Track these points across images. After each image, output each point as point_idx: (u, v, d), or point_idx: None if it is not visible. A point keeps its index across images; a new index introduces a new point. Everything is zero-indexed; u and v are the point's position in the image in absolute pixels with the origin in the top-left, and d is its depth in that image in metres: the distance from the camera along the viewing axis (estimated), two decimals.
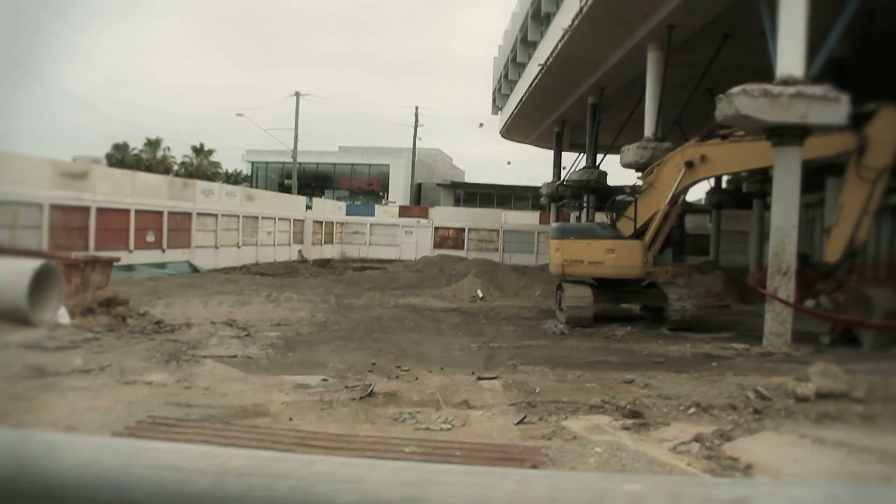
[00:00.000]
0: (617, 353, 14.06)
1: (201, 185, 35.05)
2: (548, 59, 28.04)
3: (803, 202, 31.42)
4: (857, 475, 6.86)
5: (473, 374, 11.10)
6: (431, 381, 10.58)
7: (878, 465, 7.15)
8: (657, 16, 21.32)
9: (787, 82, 13.96)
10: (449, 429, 8.03)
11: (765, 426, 8.52)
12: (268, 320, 16.96)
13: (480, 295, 24.60)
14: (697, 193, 46.11)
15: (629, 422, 8.30)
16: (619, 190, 20.90)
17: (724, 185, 39.46)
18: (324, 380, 10.42)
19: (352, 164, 68.78)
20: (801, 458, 7.31)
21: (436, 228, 50.82)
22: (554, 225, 20.47)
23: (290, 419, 8.31)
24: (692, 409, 9.07)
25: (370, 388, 9.59)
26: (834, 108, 13.75)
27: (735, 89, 13.91)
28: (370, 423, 8.20)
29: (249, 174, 69.91)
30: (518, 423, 8.21)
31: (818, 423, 8.78)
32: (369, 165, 67.99)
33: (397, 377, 10.87)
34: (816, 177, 25.21)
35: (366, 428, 8.02)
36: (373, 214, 52.34)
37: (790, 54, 14.24)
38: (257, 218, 38.10)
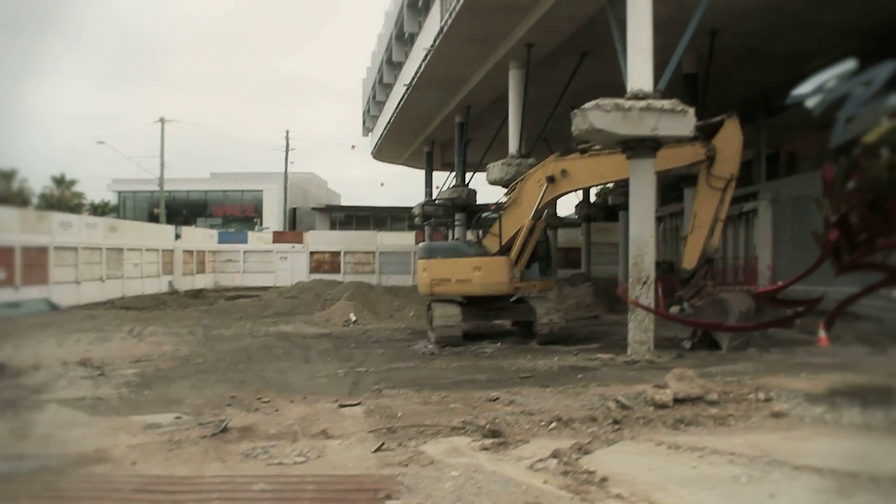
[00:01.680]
0: (485, 370, 13.99)
1: (58, 217, 33.21)
2: (412, 79, 28.11)
3: (671, 212, 32.78)
4: (707, 478, 6.93)
5: (337, 401, 10.76)
6: (292, 412, 10.16)
7: (728, 466, 7.27)
8: (516, 35, 21.68)
9: (637, 97, 14.36)
10: (303, 462, 7.68)
11: (623, 436, 8.57)
12: (127, 357, 16.06)
13: (353, 318, 24.24)
14: (569, 207, 47.21)
15: (488, 442, 8.18)
16: (488, 208, 21.05)
17: (592, 198, 40.52)
18: (177, 417, 9.84)
19: (224, 191, 67.11)
20: (655, 467, 7.34)
21: (311, 253, 50.05)
22: (420, 245, 20.40)
23: (134, 463, 7.75)
24: (553, 424, 9.04)
25: (224, 424, 9.12)
26: (682, 121, 14.23)
27: (588, 104, 14.20)
28: (220, 462, 7.75)
29: (117, 204, 67.13)
30: (376, 451, 7.94)
31: (674, 428, 8.92)
32: (242, 192, 66.53)
33: (257, 410, 10.39)
34: (680, 188, 26.25)
35: (215, 467, 7.57)
36: (246, 241, 51.08)
37: (639, 70, 14.68)
38: (122, 250, 36.46)
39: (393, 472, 7.20)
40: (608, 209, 37.69)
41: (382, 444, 8.19)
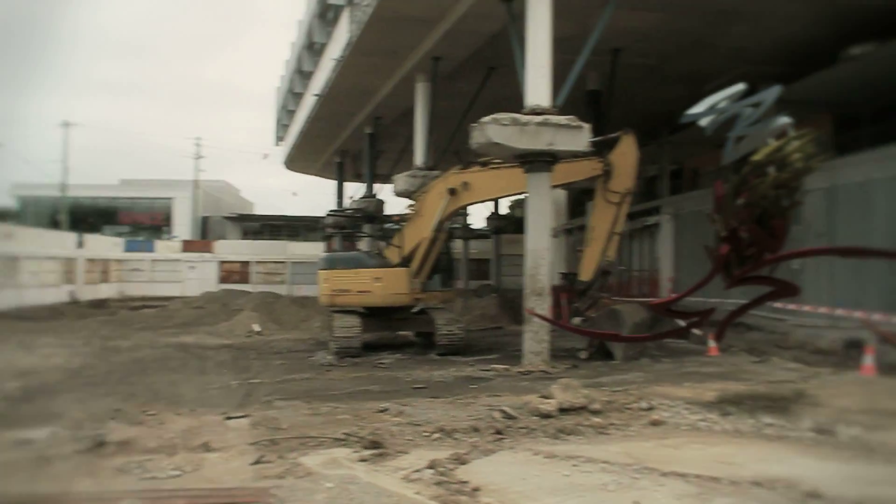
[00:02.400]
0: (380, 381, 14.01)
1: None
2: (322, 89, 27.99)
3: (580, 225, 33.41)
4: (577, 486, 7.09)
5: (224, 413, 10.61)
6: (176, 425, 9.96)
7: (599, 474, 7.45)
8: (423, 48, 21.83)
9: (535, 112, 14.63)
10: (178, 475, 7.54)
11: (503, 446, 8.69)
12: (12, 371, 15.47)
13: (257, 329, 23.95)
14: (480, 220, 47.71)
15: (368, 453, 8.18)
16: (392, 219, 21.13)
17: (503, 210, 41.02)
18: (52, 432, 9.54)
19: (133, 198, 65.27)
20: (529, 476, 7.46)
21: (221, 262, 49.22)
22: (321, 255, 20.31)
23: None
24: (436, 435, 9.10)
25: (101, 438, 8.87)
26: (578, 136, 14.56)
27: (486, 118, 14.41)
28: (91, 478, 7.54)
29: (18, 210, 64.50)
30: (253, 464, 7.86)
31: (555, 438, 9.09)
32: (152, 199, 64.83)
33: (140, 423, 10.15)
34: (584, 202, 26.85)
35: (84, 483, 7.37)
36: (153, 250, 49.85)
37: (537, 86, 14.97)
38: (17, 258, 35.09)
39: (268, 484, 7.14)
40: (518, 221, 38.15)
41: (262, 456, 8.11)
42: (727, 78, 23.97)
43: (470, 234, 44.43)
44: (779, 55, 22.18)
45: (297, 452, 8.34)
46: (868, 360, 14.11)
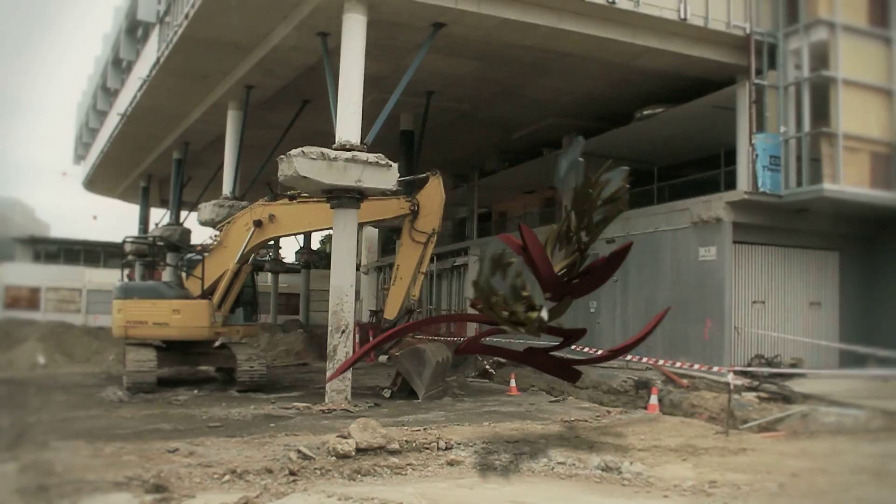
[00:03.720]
0: (174, 419, 13.25)
1: None
2: (127, 108, 26.63)
3: (387, 263, 33.54)
4: None
5: None
6: None
7: None
8: (235, 75, 21.27)
9: (344, 147, 14.57)
10: None
11: (297, 488, 8.42)
12: None
13: (42, 361, 22.17)
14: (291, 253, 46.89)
15: (150, 498, 7.66)
16: (194, 248, 20.28)
17: (313, 245, 40.55)
18: None
19: None
20: None
21: (6, 288, 45.38)
22: (117, 284, 19.12)
23: None
24: (227, 477, 8.69)
25: None
26: (385, 174, 14.62)
27: (294, 151, 14.17)
28: None
29: None
30: None
31: (351, 479, 8.92)
32: None
33: None
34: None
35: None
36: None
37: (348, 122, 14.94)
38: None
39: None
40: (328, 256, 37.80)
41: None
42: (535, 127, 25.29)
43: (280, 267, 43.53)
44: (582, 110, 23.45)
45: (68, 500, 7.67)
46: (653, 400, 15.02)
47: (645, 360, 16.51)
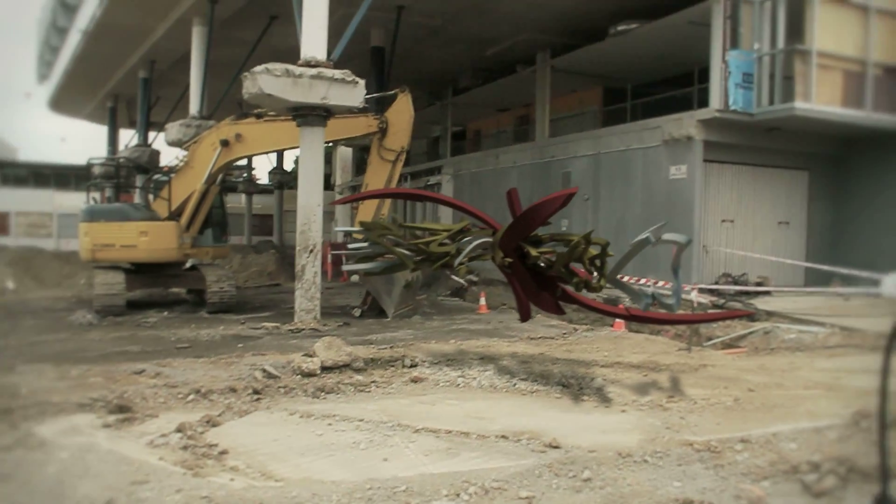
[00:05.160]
0: (142, 341, 13.24)
1: None
2: (89, 25, 25.86)
3: (361, 183, 33.27)
4: (329, 446, 7.03)
5: None
6: None
7: (353, 432, 7.44)
8: None
9: (309, 64, 14.25)
10: None
11: (260, 406, 8.50)
12: None
13: (11, 286, 22.03)
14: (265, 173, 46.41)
15: (112, 418, 7.69)
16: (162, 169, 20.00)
17: (286, 165, 40.16)
18: None
19: None
20: (281, 437, 7.33)
21: None
22: (82, 207, 18.86)
23: None
24: (191, 396, 8.74)
25: None
26: (352, 91, 14.35)
27: (258, 68, 13.86)
28: None
29: None
30: None
31: (314, 397, 9.00)
32: None
33: None
34: None
35: None
36: None
37: (313, 38, 14.56)
38: None
39: None
40: None
41: None
42: (509, 43, 24.86)
43: (254, 188, 43.22)
44: (556, 26, 23.06)
45: (33, 421, 7.68)
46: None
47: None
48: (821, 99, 16.96)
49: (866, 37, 17.59)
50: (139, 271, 17.52)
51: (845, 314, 13.84)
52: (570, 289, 10.35)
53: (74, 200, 46.94)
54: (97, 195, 33.89)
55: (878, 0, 17.74)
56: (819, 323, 13.36)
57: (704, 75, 18.82)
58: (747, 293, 16.41)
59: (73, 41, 30.32)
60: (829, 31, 17.18)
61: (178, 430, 7.30)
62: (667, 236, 9.62)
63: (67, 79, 34.32)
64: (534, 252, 9.92)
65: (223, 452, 6.79)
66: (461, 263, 10.29)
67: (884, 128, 17.64)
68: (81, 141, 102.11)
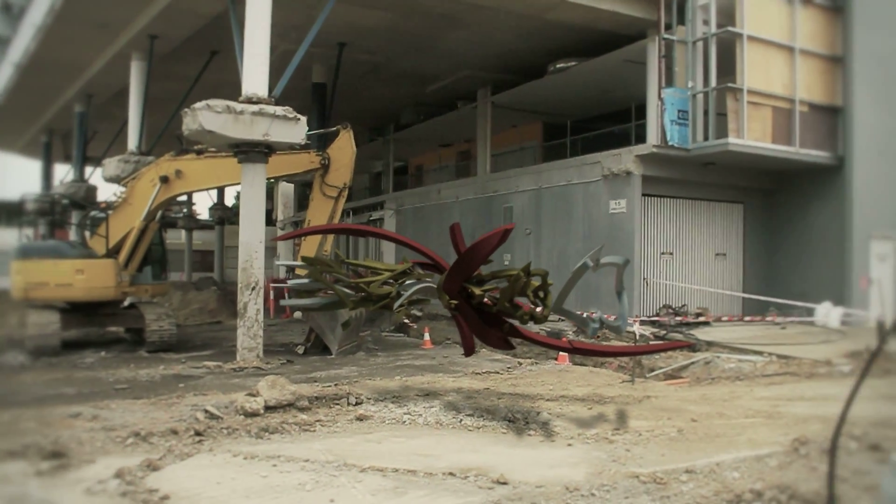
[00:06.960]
0: (79, 382, 12.87)
1: None
2: (22, 58, 25.37)
3: (303, 219, 33.12)
4: (274, 487, 6.91)
5: None
6: None
7: (299, 473, 7.32)
8: (138, 23, 20.47)
9: (250, 100, 14.20)
10: None
11: (202, 448, 8.29)
12: None
13: None
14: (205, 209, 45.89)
15: (46, 465, 7.44)
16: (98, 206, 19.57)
17: (227, 201, 39.76)
18: None
19: None
20: (224, 479, 7.16)
21: None
22: (15, 244, 18.38)
23: None
24: (130, 440, 8.49)
25: None
26: (294, 128, 14.33)
27: (199, 104, 13.77)
28: None
29: None
30: None
31: (258, 437, 8.82)
32: None
33: None
34: None
35: None
36: None
37: (254, 74, 14.55)
38: None
39: None
40: None
41: None
42: (450, 80, 25.15)
43: (194, 223, 42.64)
44: (496, 63, 23.44)
45: None
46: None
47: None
48: (752, 135, 17.52)
49: (792, 75, 18.26)
50: (75, 310, 17.06)
51: (782, 342, 14.18)
52: (516, 323, 10.44)
53: (6, 237, 45.71)
54: (31, 232, 33.07)
55: (802, 41, 18.46)
56: (757, 352, 13.65)
57: (642, 111, 19.32)
58: (687, 324, 16.70)
59: (4, 74, 29.70)
60: (758, 70, 17.81)
61: (117, 475, 7.09)
62: (605, 259, 9.81)
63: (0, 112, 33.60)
64: (478, 291, 10.02)
65: (164, 498, 6.60)
66: (401, 306, 10.31)
67: (811, 162, 18.29)
68: (14, 176, 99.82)
